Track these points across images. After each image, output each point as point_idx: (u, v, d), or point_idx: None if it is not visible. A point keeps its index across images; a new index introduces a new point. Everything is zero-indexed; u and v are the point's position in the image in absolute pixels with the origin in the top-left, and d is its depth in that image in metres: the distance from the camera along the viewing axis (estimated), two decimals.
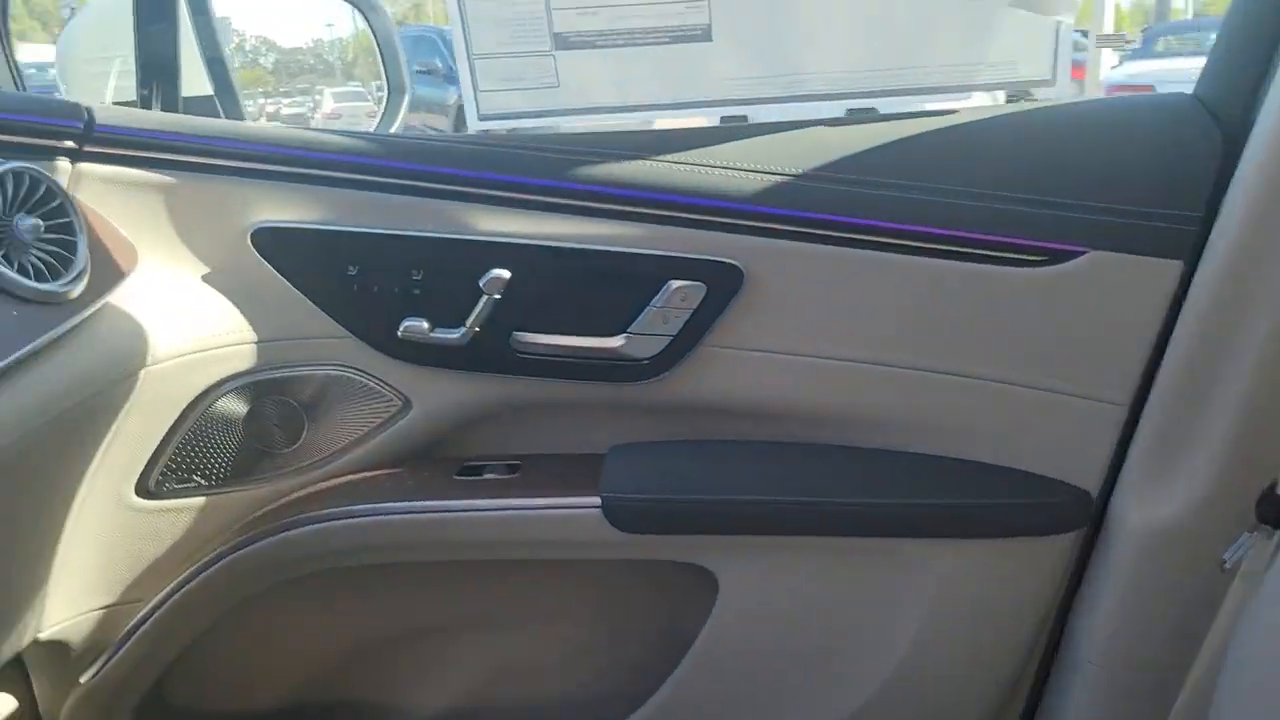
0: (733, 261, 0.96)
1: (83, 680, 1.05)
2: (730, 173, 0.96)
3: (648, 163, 0.97)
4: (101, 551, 1.01)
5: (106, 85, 1.18)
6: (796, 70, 1.01)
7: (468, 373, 1.03)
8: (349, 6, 1.61)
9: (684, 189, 0.95)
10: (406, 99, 1.54)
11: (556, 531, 0.99)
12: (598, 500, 0.98)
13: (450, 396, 1.05)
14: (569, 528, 0.99)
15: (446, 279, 0.99)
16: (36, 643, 0.99)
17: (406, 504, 1.00)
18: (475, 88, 1.04)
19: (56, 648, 1.03)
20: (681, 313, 0.98)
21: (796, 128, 1.02)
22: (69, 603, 1.00)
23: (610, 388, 1.03)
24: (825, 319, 0.98)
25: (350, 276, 1.00)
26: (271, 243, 0.99)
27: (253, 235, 0.99)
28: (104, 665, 1.05)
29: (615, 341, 1.00)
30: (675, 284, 0.97)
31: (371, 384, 1.05)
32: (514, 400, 1.06)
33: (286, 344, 1.03)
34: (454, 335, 1.00)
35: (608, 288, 0.99)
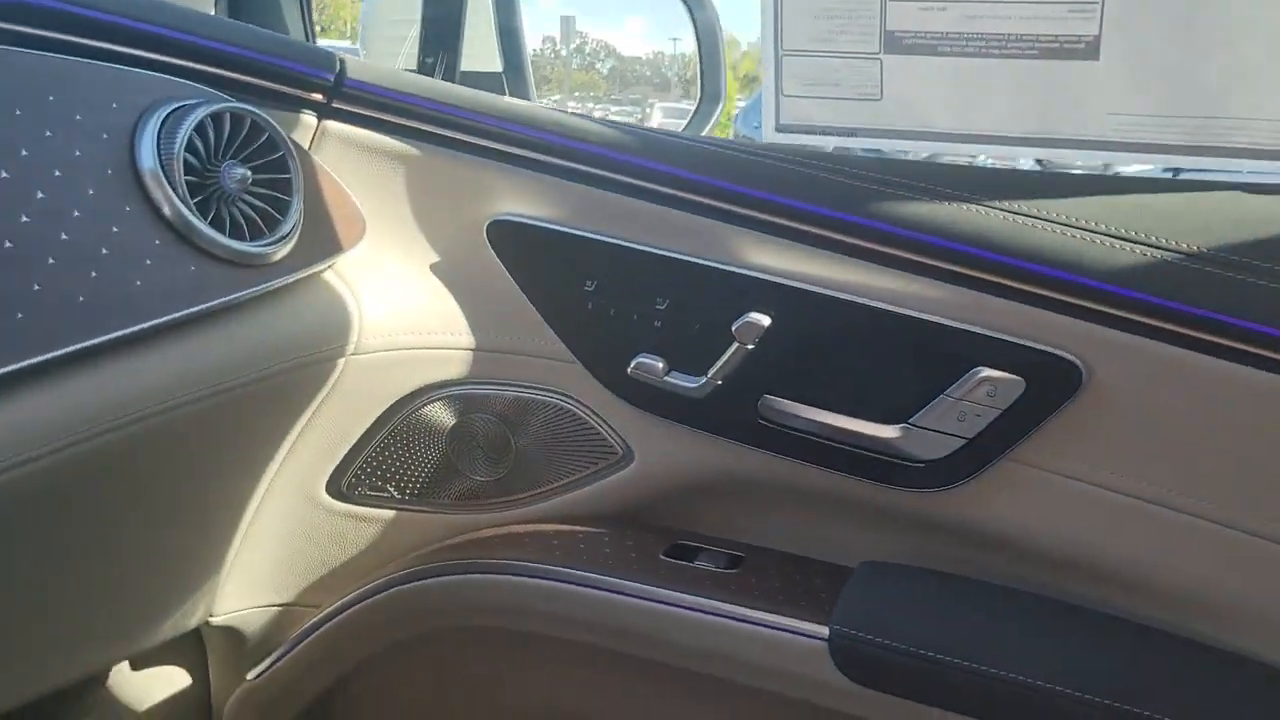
0: (1069, 356, 0.71)
1: (250, 676, 0.98)
2: (1088, 236, 0.70)
3: (972, 207, 0.74)
4: (283, 546, 0.92)
5: (400, 51, 1.11)
6: (1215, 111, 0.73)
7: (702, 432, 0.84)
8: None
9: (1015, 247, 0.71)
10: (719, 110, 1.38)
11: (765, 656, 0.78)
12: (826, 631, 0.75)
13: (677, 456, 0.87)
14: (781, 656, 0.77)
15: (694, 314, 0.81)
16: (212, 626, 0.93)
17: (599, 577, 0.83)
18: (778, 91, 0.84)
19: (231, 635, 0.96)
20: (985, 411, 0.74)
21: (1194, 188, 0.75)
22: (245, 593, 0.93)
23: (873, 488, 0.80)
24: (1193, 458, 0.71)
25: (587, 292, 0.84)
26: (508, 238, 0.85)
27: (489, 227, 0.85)
28: (270, 666, 0.98)
29: (889, 431, 0.77)
30: (983, 372, 0.73)
31: (593, 423, 0.88)
32: (750, 476, 0.86)
33: (507, 358, 0.89)
34: (692, 384, 0.81)
35: (891, 360, 0.77)
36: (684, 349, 0.82)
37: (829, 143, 0.85)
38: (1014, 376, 0.73)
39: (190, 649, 1.01)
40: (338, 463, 0.89)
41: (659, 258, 0.82)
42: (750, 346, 0.79)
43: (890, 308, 0.76)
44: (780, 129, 0.86)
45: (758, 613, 0.78)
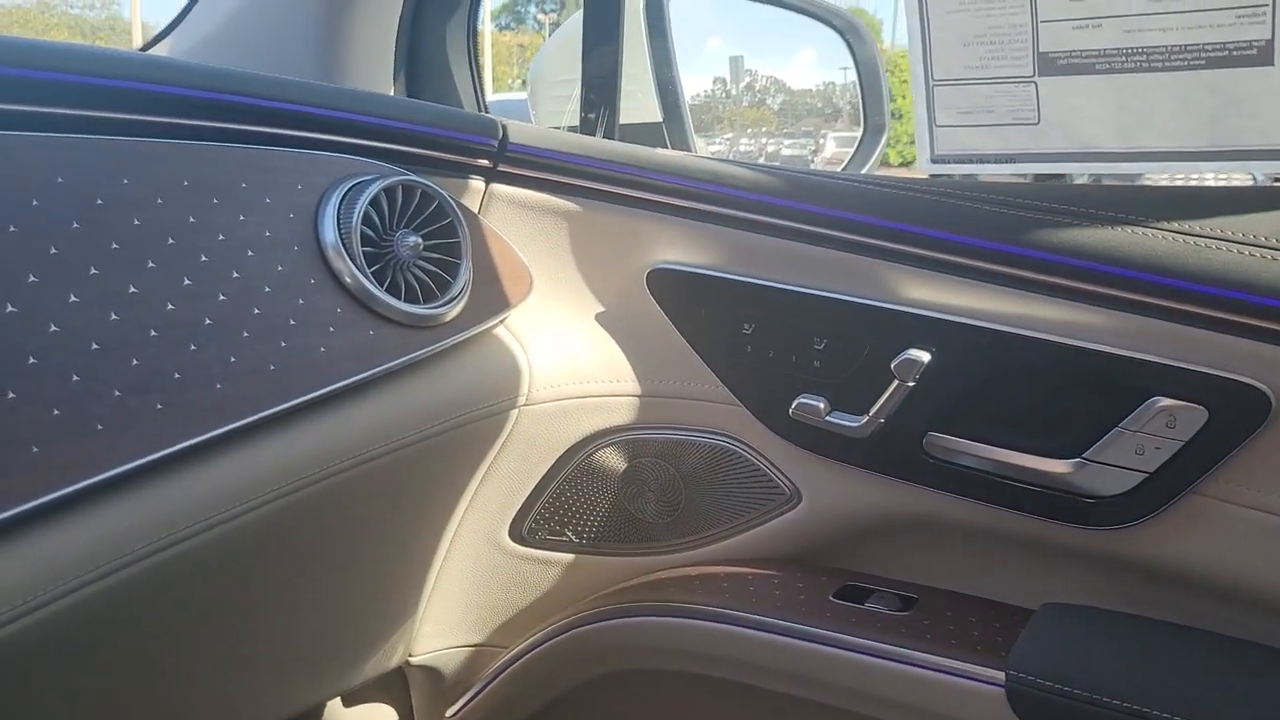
0: (1254, 383, 0.66)
1: (449, 714, 1.03)
2: (1268, 254, 0.66)
3: (1139, 229, 0.70)
4: (472, 589, 0.97)
5: (565, 109, 1.16)
6: None
7: (868, 471, 0.83)
8: None
9: (1190, 270, 0.67)
10: (884, 140, 1.37)
11: (939, 701, 0.75)
12: (1002, 676, 0.72)
13: (845, 496, 0.86)
14: (956, 702, 0.75)
15: (852, 353, 0.80)
16: (413, 666, 0.98)
17: (769, 620, 0.83)
18: (931, 121, 0.83)
19: (431, 674, 1.01)
20: (1165, 443, 0.70)
21: None
22: (441, 633, 0.98)
23: (1050, 525, 0.77)
24: None
25: (745, 335, 0.85)
26: (668, 286, 0.88)
27: (649, 275, 0.88)
28: (466, 704, 1.02)
29: (1063, 466, 0.74)
30: (1161, 402, 0.69)
31: (760, 464, 0.89)
32: (920, 515, 0.84)
33: (673, 402, 0.90)
34: (854, 423, 0.81)
35: (1061, 392, 0.74)
36: (844, 388, 0.81)
37: (986, 171, 0.83)
38: (1195, 406, 0.68)
39: (396, 688, 1.07)
40: (518, 508, 0.93)
41: (815, 298, 0.82)
42: (911, 383, 0.78)
43: (1057, 339, 0.73)
44: (935, 160, 0.84)
45: (931, 656, 0.76)
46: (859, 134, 1.52)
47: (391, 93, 1.06)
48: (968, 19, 0.79)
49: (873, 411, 0.80)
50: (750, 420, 0.87)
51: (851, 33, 1.38)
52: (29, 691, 0.60)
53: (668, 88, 1.08)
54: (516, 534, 0.94)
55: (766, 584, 0.87)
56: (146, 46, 1.17)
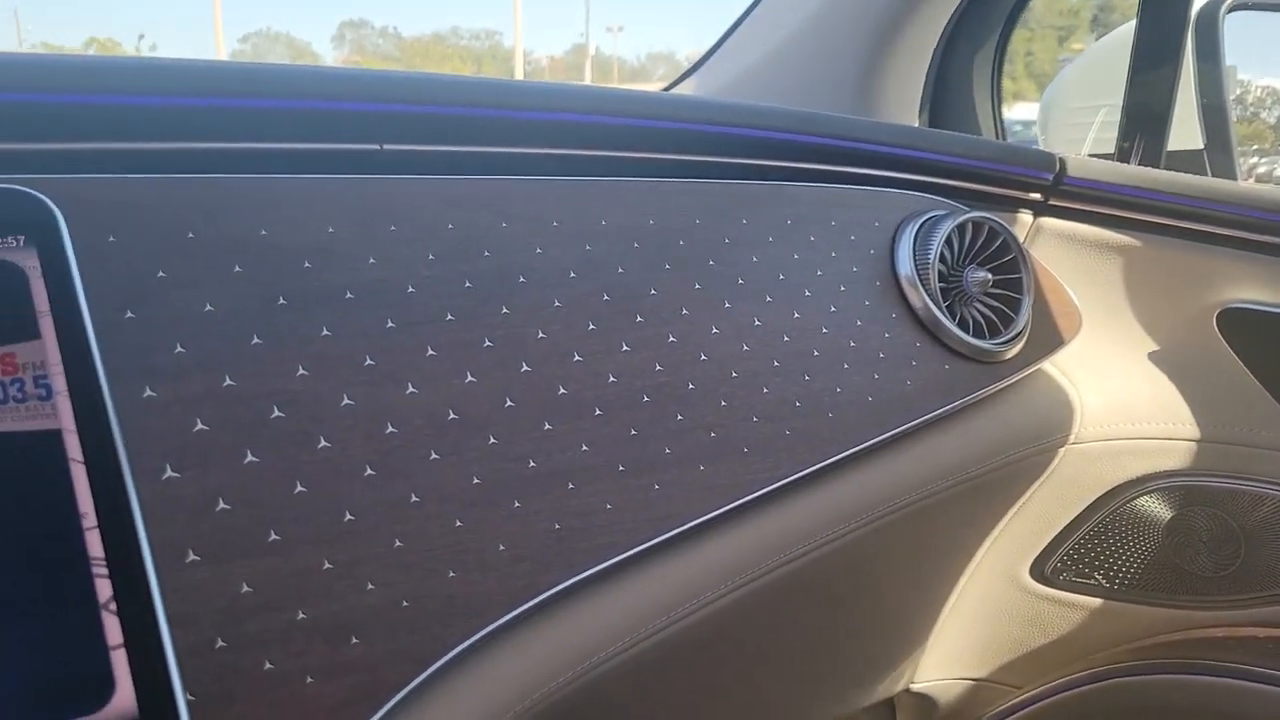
0: None
1: None
2: None
3: None
4: (983, 623, 0.96)
5: (1086, 136, 1.12)
6: None
7: None
8: None
9: None
10: None
11: None
12: None
13: None
14: None
15: None
16: (909, 693, 0.99)
17: None
18: None
19: (925, 702, 1.02)
20: None
21: None
22: (944, 664, 0.98)
23: None
24: None
25: None
26: (1245, 327, 0.82)
27: (1220, 315, 0.82)
28: None
29: None
30: None
31: None
32: None
33: (1238, 450, 0.84)
34: None
35: None
36: None
37: None
38: None
39: (882, 711, 1.08)
40: (1043, 547, 0.91)
41: None
42: None
43: None
44: None
45: None
46: None
47: (915, 124, 1.08)
48: None
49: None
50: None
51: None
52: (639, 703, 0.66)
53: (1214, 113, 1.01)
54: (1038, 573, 0.92)
55: None
56: (671, 85, 1.27)
